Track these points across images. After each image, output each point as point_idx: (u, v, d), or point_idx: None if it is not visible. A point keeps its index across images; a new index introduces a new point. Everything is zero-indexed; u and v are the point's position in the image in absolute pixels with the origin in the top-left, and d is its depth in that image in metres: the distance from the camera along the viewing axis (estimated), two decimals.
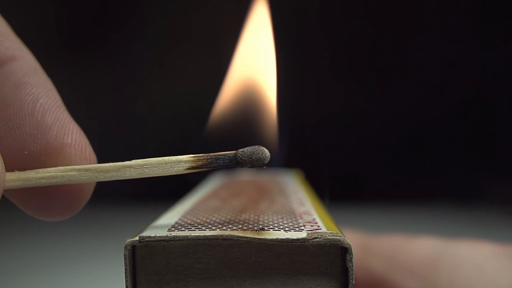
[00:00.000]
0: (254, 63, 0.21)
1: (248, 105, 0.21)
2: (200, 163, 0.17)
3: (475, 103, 0.91)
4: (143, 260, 0.16)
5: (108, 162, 0.18)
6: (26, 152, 0.18)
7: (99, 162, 0.18)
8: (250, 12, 0.22)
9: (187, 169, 0.17)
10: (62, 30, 0.95)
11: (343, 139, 0.91)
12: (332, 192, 0.27)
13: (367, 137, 0.92)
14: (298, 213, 0.19)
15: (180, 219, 0.18)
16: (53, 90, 0.19)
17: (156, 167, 0.17)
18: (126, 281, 0.16)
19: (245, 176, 0.31)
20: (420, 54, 0.94)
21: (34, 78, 0.18)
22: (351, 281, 0.16)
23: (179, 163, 0.17)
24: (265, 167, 0.17)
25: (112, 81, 0.94)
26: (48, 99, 0.18)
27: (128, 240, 0.16)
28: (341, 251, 0.16)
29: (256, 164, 0.17)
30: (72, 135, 0.18)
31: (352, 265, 0.16)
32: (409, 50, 0.93)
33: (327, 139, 0.90)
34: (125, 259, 0.16)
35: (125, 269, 0.16)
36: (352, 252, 0.16)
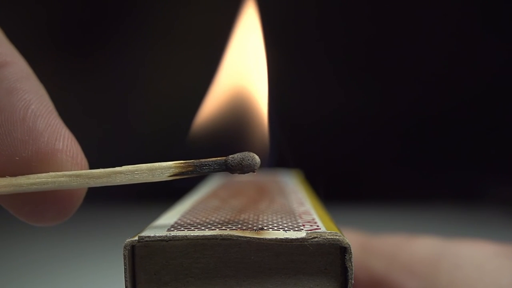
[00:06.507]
0: (244, 67, 0.21)
1: (238, 109, 0.21)
2: (190, 169, 0.17)
3: (475, 103, 0.91)
4: (142, 260, 0.16)
5: (99, 167, 0.18)
6: (17, 158, 0.18)
7: (91, 168, 0.18)
8: (241, 14, 0.22)
9: (177, 175, 0.17)
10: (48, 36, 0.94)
11: (343, 139, 0.91)
12: (332, 192, 0.27)
13: (367, 137, 0.92)
14: (297, 213, 0.19)
15: (179, 219, 0.18)
16: (45, 96, 0.19)
17: (146, 173, 0.17)
18: (126, 281, 0.16)
19: (244, 176, 0.31)
20: (420, 54, 0.94)
21: (26, 84, 0.18)
22: (350, 280, 0.16)
23: (169, 169, 0.17)
24: (255, 172, 0.18)
25: (103, 85, 0.94)
26: (40, 105, 0.18)
27: (127, 240, 0.16)
28: (340, 251, 0.16)
29: (246, 170, 0.17)
30: (63, 141, 0.18)
31: (351, 265, 0.16)
32: (409, 50, 0.93)
33: (327, 139, 0.90)
34: (124, 259, 0.16)
35: (125, 269, 0.16)
36: (351, 252, 0.16)
